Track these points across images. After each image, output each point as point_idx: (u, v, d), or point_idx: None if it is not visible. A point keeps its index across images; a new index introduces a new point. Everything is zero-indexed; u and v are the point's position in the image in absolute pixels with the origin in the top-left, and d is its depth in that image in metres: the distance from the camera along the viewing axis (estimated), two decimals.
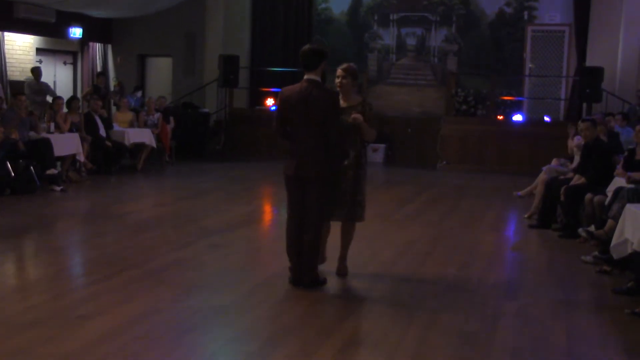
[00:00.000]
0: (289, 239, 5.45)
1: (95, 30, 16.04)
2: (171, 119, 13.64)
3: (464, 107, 14.84)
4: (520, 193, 10.23)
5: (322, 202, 5.35)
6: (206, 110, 15.70)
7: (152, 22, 16.11)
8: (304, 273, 5.40)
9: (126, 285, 5.38)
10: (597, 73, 13.14)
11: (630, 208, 5.63)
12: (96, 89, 14.09)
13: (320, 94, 5.24)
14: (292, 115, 5.29)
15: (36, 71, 13.44)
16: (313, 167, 5.25)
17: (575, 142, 9.18)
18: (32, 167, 9.60)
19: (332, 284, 5.59)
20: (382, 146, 15.15)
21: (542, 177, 8.99)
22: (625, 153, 7.49)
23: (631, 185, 6.42)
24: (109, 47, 16.91)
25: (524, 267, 6.64)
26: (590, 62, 13.96)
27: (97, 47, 16.58)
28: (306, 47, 5.36)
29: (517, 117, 14.32)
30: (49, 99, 12.57)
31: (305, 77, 5.30)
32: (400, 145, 15.33)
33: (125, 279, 5.54)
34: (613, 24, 14.05)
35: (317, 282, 5.45)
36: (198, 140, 15.17)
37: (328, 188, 5.37)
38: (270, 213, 9.81)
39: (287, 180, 5.41)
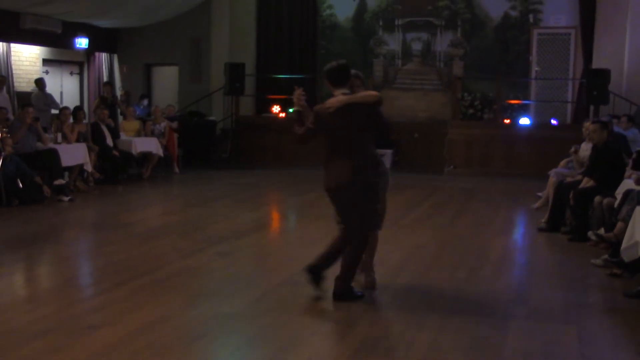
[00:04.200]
0: (331, 245, 5.37)
1: (101, 40, 16.11)
2: (175, 123, 13.65)
3: (471, 111, 14.84)
4: (536, 205, 9.38)
5: (363, 211, 5.26)
6: (213, 118, 15.73)
7: (157, 31, 16.16)
8: (338, 284, 5.27)
9: (135, 294, 5.37)
10: (603, 75, 13.08)
11: None
12: (103, 99, 14.13)
13: (355, 105, 5.24)
14: (330, 131, 5.27)
15: (39, 82, 13.49)
16: (351, 176, 5.17)
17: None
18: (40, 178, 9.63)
19: None
20: (388, 151, 15.09)
21: (552, 180, 8.93)
22: (634, 155, 7.46)
23: None
24: (115, 56, 16.96)
25: (533, 270, 6.60)
26: (596, 64, 13.92)
27: (103, 57, 16.64)
28: (332, 65, 5.35)
29: (524, 121, 14.27)
30: (54, 111, 12.61)
31: (335, 92, 5.31)
32: (407, 150, 15.28)
33: (134, 288, 5.54)
34: (619, 25, 14.02)
35: (351, 296, 5.29)
36: (205, 148, 15.20)
37: (369, 197, 5.29)
38: (278, 220, 9.80)
39: (328, 194, 5.36)
